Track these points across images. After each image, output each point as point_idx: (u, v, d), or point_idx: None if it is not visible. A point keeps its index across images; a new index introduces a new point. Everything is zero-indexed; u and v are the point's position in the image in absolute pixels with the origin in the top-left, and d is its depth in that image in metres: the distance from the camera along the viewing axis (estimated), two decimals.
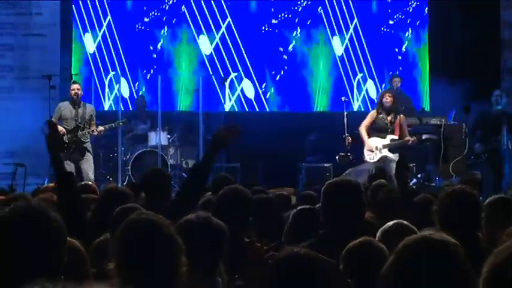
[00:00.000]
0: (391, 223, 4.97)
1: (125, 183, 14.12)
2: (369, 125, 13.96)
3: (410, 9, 17.57)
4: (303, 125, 16.42)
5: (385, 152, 13.91)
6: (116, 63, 17.02)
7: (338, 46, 17.46)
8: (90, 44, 17.17)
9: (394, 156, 13.66)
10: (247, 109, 17.23)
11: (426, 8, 17.49)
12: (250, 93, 17.20)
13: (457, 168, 14.98)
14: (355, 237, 4.42)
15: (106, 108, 16.48)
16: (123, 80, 16.72)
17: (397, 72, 16.59)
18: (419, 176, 14.95)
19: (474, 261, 3.67)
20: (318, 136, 16.27)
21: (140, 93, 16.90)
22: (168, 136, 15.44)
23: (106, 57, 17.09)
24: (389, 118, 13.97)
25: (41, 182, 14.13)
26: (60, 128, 13.68)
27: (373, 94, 17.28)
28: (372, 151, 13.93)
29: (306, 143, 16.31)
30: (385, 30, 17.56)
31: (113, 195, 6.39)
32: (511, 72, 16.89)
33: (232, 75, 16.93)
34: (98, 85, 16.50)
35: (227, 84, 16.34)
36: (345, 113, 14.90)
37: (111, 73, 16.95)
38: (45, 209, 3.30)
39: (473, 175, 13.37)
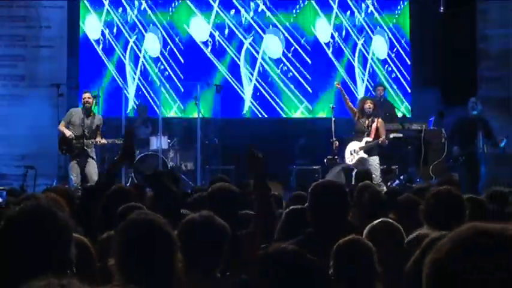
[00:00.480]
0: (377, 221, 4.98)
1: (128, 184, 14.13)
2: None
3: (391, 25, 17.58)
4: (293, 130, 16.41)
5: (362, 154, 14.03)
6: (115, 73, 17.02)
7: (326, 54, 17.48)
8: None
9: (371, 158, 13.86)
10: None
11: (408, 23, 17.49)
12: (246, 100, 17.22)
13: (436, 171, 15.02)
14: (339, 236, 4.41)
15: (111, 114, 16.41)
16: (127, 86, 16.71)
17: (381, 82, 16.58)
18: (401, 177, 14.97)
19: None
20: (307, 140, 16.27)
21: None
22: (168, 140, 15.44)
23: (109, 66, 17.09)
24: (367, 122, 14.11)
25: (49, 182, 14.11)
26: (68, 132, 13.77)
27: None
28: (351, 154, 14.05)
29: (296, 147, 16.31)
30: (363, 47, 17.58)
31: (119, 193, 6.40)
32: (487, 81, 16.91)
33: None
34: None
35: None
36: (333, 119, 14.98)
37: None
38: (53, 209, 3.30)
39: (451, 176, 13.42)
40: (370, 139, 14.08)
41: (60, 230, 3.16)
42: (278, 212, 6.37)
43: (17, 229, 3.18)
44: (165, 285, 3.58)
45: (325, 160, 14.98)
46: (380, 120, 14.22)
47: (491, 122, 15.10)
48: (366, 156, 14.05)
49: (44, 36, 16.36)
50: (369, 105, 14.18)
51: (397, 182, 14.65)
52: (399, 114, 15.81)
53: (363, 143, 14.05)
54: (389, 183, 14.05)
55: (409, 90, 17.49)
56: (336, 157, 14.85)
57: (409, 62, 17.51)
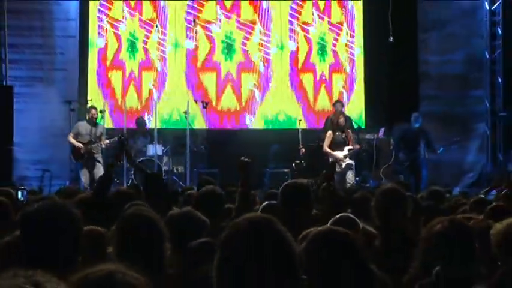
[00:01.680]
0: (339, 215, 4.99)
1: (128, 184, 14.11)
2: (330, 143, 14.13)
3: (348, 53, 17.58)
4: (267, 138, 16.40)
5: (347, 160, 14.10)
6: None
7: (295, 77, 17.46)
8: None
9: (351, 162, 14.01)
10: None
11: (362, 50, 17.51)
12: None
13: (385, 173, 15.14)
14: (306, 227, 4.40)
15: (113, 126, 16.36)
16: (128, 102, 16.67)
17: (340, 99, 16.56)
18: (357, 179, 15.01)
19: (402, 245, 3.69)
20: (278, 148, 16.27)
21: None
22: (163, 148, 15.41)
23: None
24: (343, 135, 14.18)
25: (63, 183, 14.08)
26: (77, 143, 13.85)
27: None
28: (339, 161, 14.09)
29: (269, 153, 16.29)
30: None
31: (121, 194, 6.41)
32: (427, 99, 16.97)
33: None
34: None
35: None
36: (299, 130, 15.07)
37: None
38: (67, 206, 3.30)
39: (399, 179, 13.52)
40: (351, 147, 14.18)
41: (73, 223, 3.16)
42: (255, 208, 6.39)
43: (33, 222, 3.18)
44: (156, 268, 3.58)
45: (293, 164, 15.06)
46: (349, 131, 14.39)
47: (431, 133, 15.20)
48: (352, 161, 14.17)
49: (58, 61, 16.30)
50: (342, 120, 14.31)
51: (353, 182, 14.72)
52: (355, 126, 15.87)
53: (345, 152, 14.13)
54: (346, 183, 14.10)
55: (364, 106, 17.46)
56: (303, 162, 14.91)
57: (363, 82, 17.50)
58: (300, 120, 15.97)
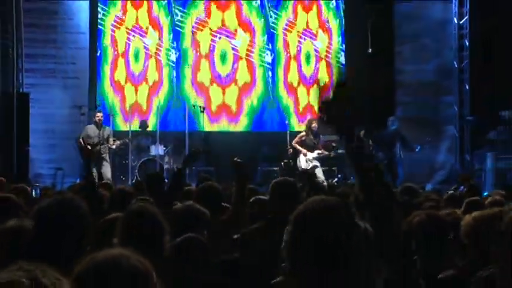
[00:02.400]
0: None
1: (133, 181, 14.09)
2: (300, 142, 14.11)
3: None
4: (258, 140, 16.38)
5: (315, 162, 14.09)
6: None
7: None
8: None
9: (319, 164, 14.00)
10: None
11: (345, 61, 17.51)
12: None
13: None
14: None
15: (121, 128, 16.29)
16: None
17: None
18: (339, 175, 15.00)
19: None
20: (268, 148, 16.24)
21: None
22: (164, 148, 15.37)
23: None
24: (315, 140, 14.20)
25: (74, 180, 14.04)
26: (85, 145, 13.86)
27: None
28: (306, 162, 14.11)
29: (260, 153, 16.27)
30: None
31: (121, 191, 6.40)
32: (402, 104, 17.00)
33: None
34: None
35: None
36: (288, 132, 15.05)
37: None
38: (75, 200, 3.27)
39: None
40: (319, 151, 14.19)
41: (81, 216, 3.13)
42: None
43: (45, 216, 3.14)
44: (157, 258, 3.54)
45: (282, 163, 15.03)
46: (321, 136, 14.38)
47: (406, 135, 15.24)
48: (318, 164, 14.16)
49: (70, 70, 16.28)
50: (314, 125, 14.28)
51: (336, 179, 14.69)
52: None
53: (314, 154, 14.15)
54: (330, 180, 14.07)
55: None
56: (291, 161, 14.88)
57: None
58: (287, 123, 15.97)
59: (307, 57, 17.48)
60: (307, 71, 17.45)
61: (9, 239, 3.30)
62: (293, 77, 17.38)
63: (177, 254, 3.74)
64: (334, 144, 14.83)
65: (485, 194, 9.82)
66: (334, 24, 17.56)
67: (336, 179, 14.63)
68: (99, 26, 16.83)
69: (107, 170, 14.02)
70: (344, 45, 17.49)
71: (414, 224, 4.16)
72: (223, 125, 17.07)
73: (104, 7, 16.88)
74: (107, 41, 16.89)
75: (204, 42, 16.99)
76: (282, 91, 17.31)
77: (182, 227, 4.21)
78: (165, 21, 16.99)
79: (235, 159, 5.94)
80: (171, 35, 16.96)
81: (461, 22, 17.03)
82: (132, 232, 3.60)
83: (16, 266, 1.36)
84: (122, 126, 16.34)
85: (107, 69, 16.87)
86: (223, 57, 17.04)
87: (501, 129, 15.61)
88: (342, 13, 17.51)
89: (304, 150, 14.12)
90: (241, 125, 17.13)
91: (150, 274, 2.01)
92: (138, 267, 2.00)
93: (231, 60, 17.06)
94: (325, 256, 2.27)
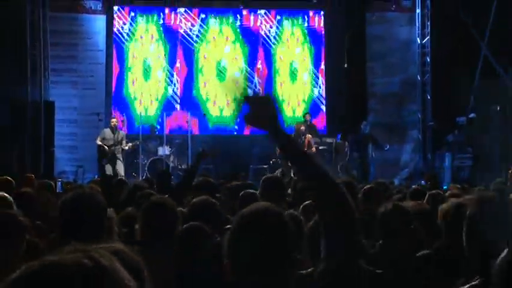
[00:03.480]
0: (307, 202, 4.94)
1: (143, 177, 14.03)
2: None
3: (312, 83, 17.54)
4: (251, 142, 16.34)
5: None
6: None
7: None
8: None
9: None
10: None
11: (324, 75, 17.47)
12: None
13: (342, 169, 15.09)
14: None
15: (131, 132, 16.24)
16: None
17: (308, 111, 16.50)
18: None
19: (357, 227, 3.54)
20: (259, 148, 16.20)
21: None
22: (170, 149, 15.32)
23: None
24: (301, 140, 14.18)
25: (93, 176, 13.99)
26: (103, 146, 13.83)
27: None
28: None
29: (252, 153, 16.24)
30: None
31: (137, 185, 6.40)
32: (373, 111, 17.00)
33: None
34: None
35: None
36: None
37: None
38: (94, 194, 3.25)
39: (352, 173, 13.52)
40: (306, 150, 14.18)
41: (99, 207, 3.08)
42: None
43: (67, 207, 3.11)
44: (170, 243, 3.53)
45: (271, 161, 15.00)
46: (309, 136, 14.35)
47: (377, 137, 15.30)
48: None
49: (89, 82, 16.21)
50: (302, 127, 14.31)
51: None
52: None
53: None
54: None
55: (325, 117, 17.45)
56: (279, 160, 14.85)
57: (324, 99, 17.49)
58: None
59: (294, 73, 17.43)
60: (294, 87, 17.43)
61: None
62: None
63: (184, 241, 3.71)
64: (316, 145, 14.85)
65: (445, 187, 9.83)
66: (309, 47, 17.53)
67: None
68: (121, 44, 16.76)
69: (120, 168, 14.01)
70: (324, 61, 17.45)
71: (381, 213, 4.14)
72: (220, 128, 17.02)
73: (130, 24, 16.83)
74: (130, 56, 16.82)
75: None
76: None
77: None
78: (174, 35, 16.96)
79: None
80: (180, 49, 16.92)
81: (423, 42, 17.07)
82: (150, 219, 3.61)
83: (71, 248, 1.31)
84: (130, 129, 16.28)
85: (129, 80, 16.79)
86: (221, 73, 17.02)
87: (457, 133, 15.69)
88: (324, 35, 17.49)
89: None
90: (236, 129, 17.08)
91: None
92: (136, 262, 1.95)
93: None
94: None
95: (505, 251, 2.08)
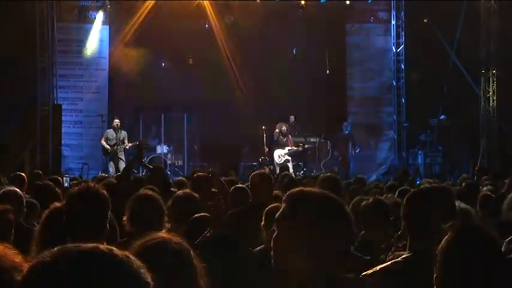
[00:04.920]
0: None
1: (144, 173, 13.97)
2: (275, 142, 14.45)
3: None
4: (241, 141, 16.30)
5: (286, 157, 14.11)
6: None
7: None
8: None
9: (291, 160, 13.96)
10: None
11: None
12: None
13: (325, 165, 15.09)
14: (269, 203, 4.31)
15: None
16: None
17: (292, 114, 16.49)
18: (304, 169, 14.99)
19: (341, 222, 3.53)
20: (249, 147, 16.18)
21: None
22: (168, 147, 15.28)
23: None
24: (285, 138, 14.22)
25: (97, 173, 13.93)
26: (106, 145, 13.78)
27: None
28: (279, 157, 14.13)
29: (243, 151, 16.21)
30: None
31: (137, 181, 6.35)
32: (352, 114, 16.99)
33: None
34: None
35: None
36: (264, 135, 14.99)
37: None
38: (98, 189, 3.21)
39: (334, 170, 13.51)
40: (290, 148, 14.21)
41: (103, 202, 3.05)
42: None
43: (74, 201, 3.07)
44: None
45: (260, 159, 14.98)
46: (290, 136, 14.42)
47: (356, 137, 15.31)
48: (289, 158, 14.19)
49: (93, 87, 16.13)
50: (284, 127, 14.35)
51: (302, 172, 14.67)
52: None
53: (285, 150, 14.20)
54: (297, 172, 14.06)
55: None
56: (267, 158, 14.85)
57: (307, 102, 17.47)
58: (265, 129, 15.85)
59: None
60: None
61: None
62: None
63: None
64: (301, 144, 14.86)
65: (418, 182, 9.85)
66: None
67: (301, 172, 14.61)
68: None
69: (122, 165, 13.91)
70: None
71: (362, 205, 4.13)
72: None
73: None
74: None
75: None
76: None
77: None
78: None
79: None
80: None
81: (398, 50, 17.12)
82: (137, 212, 3.59)
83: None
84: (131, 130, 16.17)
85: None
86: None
87: (429, 133, 15.74)
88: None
89: (276, 153, 14.20)
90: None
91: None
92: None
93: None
94: None
95: None
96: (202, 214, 3.71)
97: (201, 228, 3.59)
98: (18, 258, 1.50)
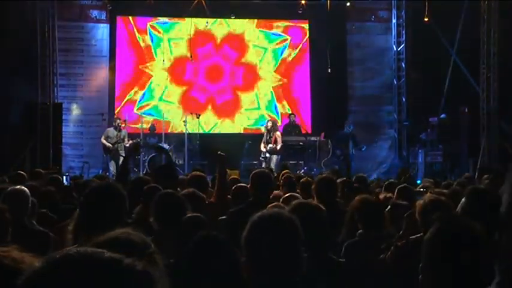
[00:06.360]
0: (288, 194, 4.92)
1: (144, 172, 13.97)
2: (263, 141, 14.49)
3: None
4: (242, 140, 16.32)
5: (267, 154, 14.24)
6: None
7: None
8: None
9: (275, 156, 14.01)
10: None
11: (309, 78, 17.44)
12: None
13: (325, 164, 15.06)
14: (269, 203, 4.32)
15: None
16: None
17: (292, 112, 16.50)
18: (305, 168, 14.98)
19: (336, 217, 3.56)
20: (249, 146, 16.17)
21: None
22: (168, 146, 15.26)
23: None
24: (268, 136, 14.27)
25: (97, 171, 13.94)
26: (107, 144, 13.77)
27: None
28: (263, 154, 14.25)
29: (243, 150, 16.20)
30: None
31: (140, 179, 6.32)
32: (353, 112, 17.03)
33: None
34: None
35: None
36: (264, 134, 14.99)
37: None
38: (115, 184, 3.28)
39: (335, 168, 13.48)
40: (272, 145, 14.25)
41: (121, 196, 3.12)
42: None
43: (95, 193, 3.14)
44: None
45: (260, 158, 14.97)
46: (278, 133, 14.36)
47: (357, 136, 15.29)
48: (269, 155, 14.25)
49: (93, 85, 16.16)
50: (269, 124, 14.52)
51: (302, 170, 14.65)
52: (303, 131, 15.85)
53: (268, 148, 14.29)
54: (297, 171, 14.03)
55: (310, 118, 17.45)
56: (266, 157, 14.85)
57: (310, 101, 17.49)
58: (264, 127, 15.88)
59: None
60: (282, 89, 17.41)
61: None
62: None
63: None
64: (300, 142, 14.85)
65: (419, 181, 9.85)
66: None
67: (302, 170, 14.59)
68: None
69: None
70: (309, 66, 17.43)
71: (363, 204, 4.14)
72: (214, 127, 17.00)
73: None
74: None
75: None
76: None
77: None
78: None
79: (219, 152, 5.82)
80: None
81: (398, 49, 17.12)
82: (161, 210, 3.73)
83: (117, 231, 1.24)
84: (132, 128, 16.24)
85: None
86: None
87: (429, 132, 15.72)
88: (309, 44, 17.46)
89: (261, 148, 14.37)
90: (228, 127, 17.04)
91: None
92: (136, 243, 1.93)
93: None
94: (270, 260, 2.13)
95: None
96: (194, 215, 3.72)
97: (193, 230, 3.61)
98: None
